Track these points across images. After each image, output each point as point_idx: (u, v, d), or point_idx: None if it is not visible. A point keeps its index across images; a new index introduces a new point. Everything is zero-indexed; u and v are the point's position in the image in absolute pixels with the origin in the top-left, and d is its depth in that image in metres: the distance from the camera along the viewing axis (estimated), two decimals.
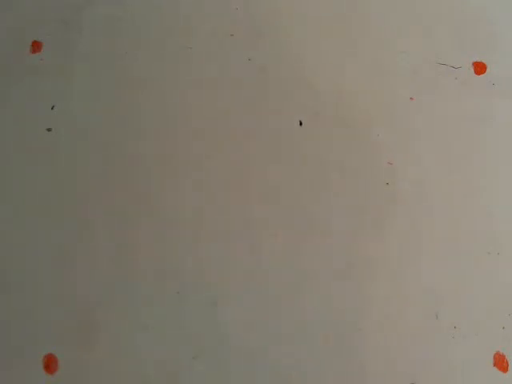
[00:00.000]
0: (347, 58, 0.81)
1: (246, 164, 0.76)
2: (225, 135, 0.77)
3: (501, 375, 0.67)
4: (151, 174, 0.75)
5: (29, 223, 0.73)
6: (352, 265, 0.71)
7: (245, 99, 0.79)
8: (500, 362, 0.68)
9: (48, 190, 0.74)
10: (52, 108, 0.78)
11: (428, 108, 0.78)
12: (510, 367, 0.67)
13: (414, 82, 0.80)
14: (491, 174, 0.75)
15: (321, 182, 0.75)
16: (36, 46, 0.82)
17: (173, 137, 0.77)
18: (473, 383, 0.68)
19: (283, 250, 0.72)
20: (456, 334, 0.69)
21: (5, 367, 0.68)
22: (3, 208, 0.74)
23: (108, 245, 0.72)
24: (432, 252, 0.72)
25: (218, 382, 0.67)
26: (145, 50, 0.82)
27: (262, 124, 0.77)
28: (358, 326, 0.69)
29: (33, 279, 0.71)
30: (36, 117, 0.78)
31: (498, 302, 0.70)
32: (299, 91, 0.79)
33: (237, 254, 0.72)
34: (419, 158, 0.76)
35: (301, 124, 0.77)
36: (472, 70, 0.80)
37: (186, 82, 0.80)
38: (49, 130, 0.77)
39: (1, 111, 0.79)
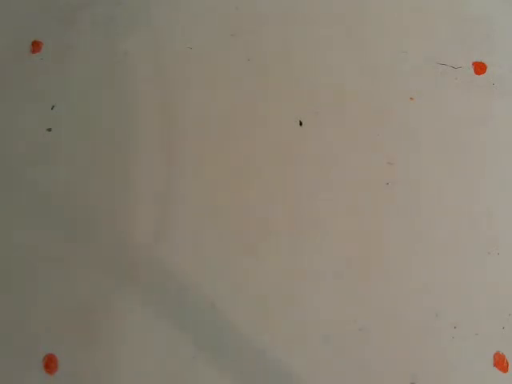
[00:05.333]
0: (347, 57, 0.81)
1: (246, 164, 0.76)
2: (225, 135, 0.77)
3: (501, 375, 0.67)
4: (151, 173, 0.75)
5: (29, 223, 0.73)
6: (352, 265, 0.71)
7: (245, 99, 0.79)
8: (500, 362, 0.67)
9: (48, 190, 0.74)
10: (52, 108, 0.78)
11: (428, 108, 0.78)
12: (510, 367, 0.67)
13: (414, 82, 0.80)
14: (491, 173, 0.75)
15: (321, 182, 0.75)
16: (36, 46, 0.82)
17: (173, 137, 0.77)
18: (473, 383, 0.68)
19: (283, 250, 0.72)
20: (456, 334, 0.68)
21: (5, 367, 0.68)
22: (3, 208, 0.74)
23: (108, 245, 0.72)
24: (432, 252, 0.72)
25: (217, 382, 0.67)
26: (145, 50, 0.82)
27: (262, 124, 0.77)
28: (357, 326, 0.69)
29: (33, 279, 0.71)
30: (36, 117, 0.78)
31: (498, 302, 0.70)
32: (299, 91, 0.79)
33: (236, 254, 0.72)
34: (419, 158, 0.76)
35: (301, 124, 0.77)
36: (472, 70, 0.80)
37: (186, 82, 0.80)
38: (49, 130, 0.77)
39: (1, 111, 0.79)
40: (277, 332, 0.69)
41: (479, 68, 0.80)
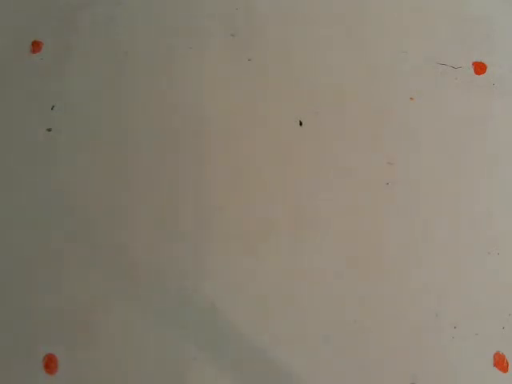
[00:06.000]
0: (347, 57, 0.81)
1: (246, 164, 0.76)
2: (225, 135, 0.77)
3: (501, 375, 0.67)
4: (151, 173, 0.75)
5: (29, 223, 0.73)
6: (352, 265, 0.71)
7: (245, 99, 0.79)
8: (500, 362, 0.68)
9: (48, 190, 0.74)
10: (52, 108, 0.78)
11: (428, 108, 0.78)
12: (510, 367, 0.67)
13: (414, 82, 0.80)
14: (491, 173, 0.75)
15: (321, 182, 0.75)
16: (36, 46, 0.82)
17: (173, 136, 0.77)
18: (473, 383, 0.68)
19: (283, 250, 0.72)
20: (456, 334, 0.69)
21: (5, 367, 0.68)
22: (3, 208, 0.74)
23: (108, 245, 0.72)
24: (432, 252, 0.72)
25: (218, 382, 0.67)
26: (145, 49, 0.82)
27: (262, 124, 0.77)
28: (357, 326, 0.69)
29: (33, 279, 0.71)
30: (36, 117, 0.78)
31: (498, 302, 0.70)
32: (299, 91, 0.79)
33: (236, 254, 0.72)
34: (419, 158, 0.76)
35: (301, 124, 0.77)
36: (472, 70, 0.80)
37: (186, 82, 0.80)
38: (49, 130, 0.77)
39: (1, 111, 0.79)
40: (277, 332, 0.69)
41: (479, 68, 0.80)
